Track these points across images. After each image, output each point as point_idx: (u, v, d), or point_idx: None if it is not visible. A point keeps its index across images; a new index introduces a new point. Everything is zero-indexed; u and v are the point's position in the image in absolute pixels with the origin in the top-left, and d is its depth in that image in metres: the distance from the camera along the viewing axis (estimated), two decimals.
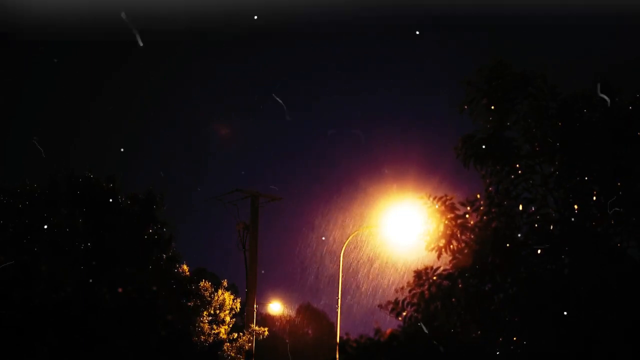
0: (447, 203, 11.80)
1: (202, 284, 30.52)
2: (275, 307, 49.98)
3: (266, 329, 33.86)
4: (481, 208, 11.74)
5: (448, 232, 11.76)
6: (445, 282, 11.51)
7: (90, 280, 22.22)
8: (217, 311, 30.94)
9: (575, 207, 11.79)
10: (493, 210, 11.69)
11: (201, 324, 29.59)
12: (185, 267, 28.72)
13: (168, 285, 25.13)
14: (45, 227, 23.74)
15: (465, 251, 11.59)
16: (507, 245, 11.45)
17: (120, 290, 21.82)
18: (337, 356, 11.64)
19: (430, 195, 11.86)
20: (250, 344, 32.23)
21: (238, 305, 31.96)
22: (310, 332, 65.44)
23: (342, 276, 35.73)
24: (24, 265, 21.57)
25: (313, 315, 64.51)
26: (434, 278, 11.56)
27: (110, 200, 24.63)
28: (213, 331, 30.28)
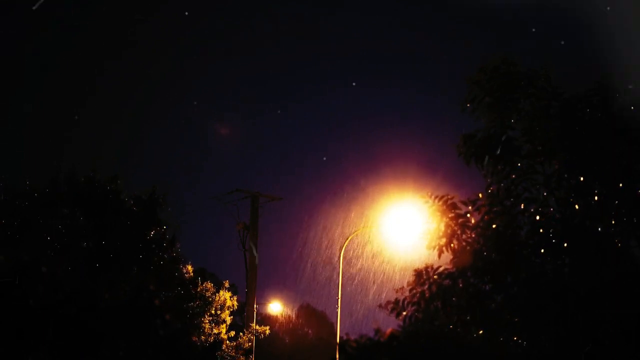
0: (448, 202, 11.79)
1: (205, 285, 30.51)
2: (275, 307, 49.96)
3: (267, 327, 33.82)
4: (482, 207, 11.74)
5: (449, 231, 11.76)
6: (445, 282, 11.51)
7: (91, 280, 22.21)
8: (218, 311, 30.93)
9: (577, 206, 11.78)
10: (494, 209, 11.69)
11: (203, 325, 29.58)
12: (189, 267, 28.73)
13: (170, 286, 25.09)
14: (46, 226, 23.72)
15: (467, 249, 11.58)
16: (508, 244, 11.45)
17: (119, 290, 21.80)
18: (337, 356, 11.63)
19: (431, 194, 11.85)
20: (250, 344, 32.21)
21: (235, 303, 31.92)
22: (310, 332, 65.47)
23: (342, 276, 35.76)
24: (24, 265, 21.54)
25: (313, 315, 64.55)
26: (435, 277, 11.56)
27: (112, 200, 24.59)
28: (213, 331, 30.27)
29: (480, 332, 11.47)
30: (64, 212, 24.30)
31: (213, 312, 30.61)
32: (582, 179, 11.81)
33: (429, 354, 10.99)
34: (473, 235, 11.67)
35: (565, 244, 11.47)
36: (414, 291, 11.59)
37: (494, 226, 11.60)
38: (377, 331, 10.87)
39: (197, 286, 28.41)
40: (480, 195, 11.87)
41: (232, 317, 31.99)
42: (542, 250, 11.50)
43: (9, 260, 21.65)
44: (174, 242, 25.76)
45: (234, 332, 31.37)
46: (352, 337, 10.99)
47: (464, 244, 11.69)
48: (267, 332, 33.39)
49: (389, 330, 10.95)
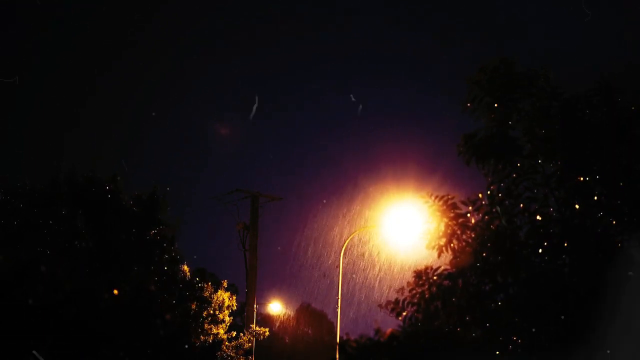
0: (448, 202, 11.78)
1: (205, 285, 30.47)
2: (275, 307, 49.98)
3: (267, 329, 33.87)
4: (482, 207, 11.73)
5: (449, 231, 11.75)
6: (445, 282, 11.50)
7: (91, 280, 22.21)
8: (217, 311, 30.92)
9: (577, 206, 11.78)
10: (494, 209, 11.68)
11: (204, 325, 29.57)
12: (185, 267, 28.68)
13: (170, 286, 25.09)
14: (46, 226, 23.73)
15: (467, 249, 11.58)
16: (508, 244, 11.45)
17: (119, 290, 21.80)
18: (337, 356, 11.62)
19: (431, 194, 11.85)
20: (250, 344, 32.21)
21: (234, 303, 31.92)
22: (310, 332, 65.48)
23: (342, 276, 35.77)
24: (24, 265, 21.55)
25: (313, 315, 64.55)
26: (435, 278, 11.56)
27: (112, 200, 24.59)
28: (212, 331, 30.27)
29: (480, 332, 11.46)
30: (63, 212, 24.30)
31: (211, 312, 30.61)
32: (582, 179, 11.80)
33: (429, 354, 10.98)
34: (473, 235, 11.66)
35: (565, 244, 11.47)
36: (414, 291, 11.58)
37: (493, 226, 11.59)
38: (377, 331, 10.86)
39: (194, 287, 28.37)
40: (480, 195, 11.86)
41: (231, 317, 31.99)
42: (542, 250, 11.50)
43: (9, 260, 21.66)
44: (172, 242, 25.75)
45: (234, 333, 31.38)
46: (352, 337, 10.99)
47: (463, 244, 11.68)
48: (267, 333, 33.43)
49: (389, 330, 10.95)
